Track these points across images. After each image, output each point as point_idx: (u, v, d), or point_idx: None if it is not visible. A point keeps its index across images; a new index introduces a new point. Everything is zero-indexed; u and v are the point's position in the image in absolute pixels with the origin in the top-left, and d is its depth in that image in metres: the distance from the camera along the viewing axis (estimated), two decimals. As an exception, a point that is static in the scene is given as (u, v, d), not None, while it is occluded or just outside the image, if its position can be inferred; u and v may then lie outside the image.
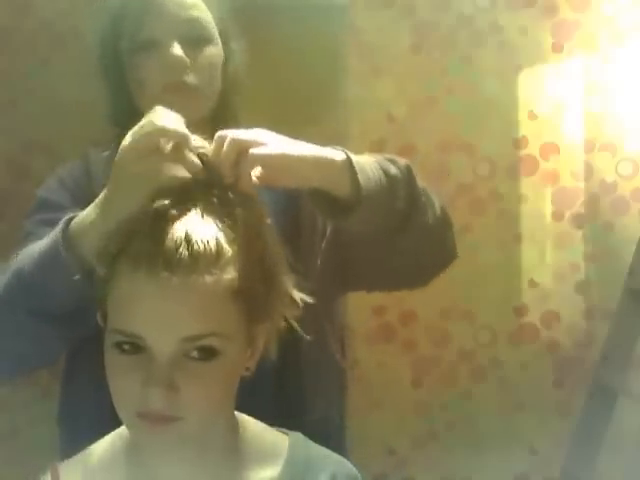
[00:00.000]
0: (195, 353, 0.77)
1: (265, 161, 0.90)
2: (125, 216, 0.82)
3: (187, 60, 1.16)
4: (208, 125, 1.09)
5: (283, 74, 1.78)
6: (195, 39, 1.18)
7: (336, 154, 1.00)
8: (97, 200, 0.95)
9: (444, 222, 1.16)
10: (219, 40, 1.22)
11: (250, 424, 0.92)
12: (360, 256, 1.15)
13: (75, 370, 1.16)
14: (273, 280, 0.84)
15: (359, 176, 0.98)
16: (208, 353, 0.78)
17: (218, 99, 1.22)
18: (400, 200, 1.05)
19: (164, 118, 0.87)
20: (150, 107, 1.18)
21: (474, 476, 1.83)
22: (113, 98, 1.24)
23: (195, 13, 1.19)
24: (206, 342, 0.77)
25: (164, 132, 0.86)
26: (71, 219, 0.97)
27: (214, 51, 1.21)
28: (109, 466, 0.86)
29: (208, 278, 0.77)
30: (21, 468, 0.88)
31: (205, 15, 1.20)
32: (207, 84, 1.19)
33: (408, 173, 1.08)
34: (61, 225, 0.97)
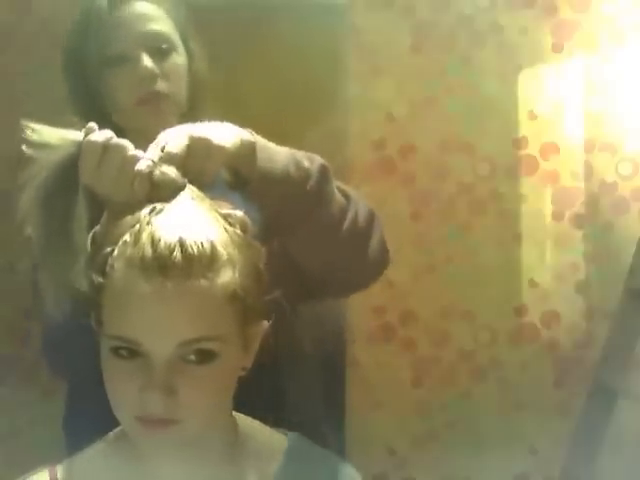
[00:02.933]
0: (192, 356, 0.77)
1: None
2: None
3: (157, 71, 1.18)
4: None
5: (283, 74, 1.78)
6: (160, 50, 1.21)
7: (243, 135, 0.97)
8: None
9: (366, 227, 1.12)
10: (181, 45, 1.24)
11: (248, 424, 0.92)
12: (295, 265, 1.12)
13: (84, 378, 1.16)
14: (264, 281, 0.85)
15: (259, 155, 0.96)
16: (205, 356, 0.77)
17: (187, 104, 1.24)
18: (307, 191, 1.02)
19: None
20: (125, 120, 1.20)
21: (474, 476, 1.83)
22: (84, 111, 1.24)
23: (158, 25, 1.22)
24: (203, 345, 0.77)
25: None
26: None
27: (179, 58, 1.24)
28: (107, 466, 0.86)
29: (203, 282, 0.76)
30: (21, 468, 0.88)
31: (167, 24, 1.24)
32: (177, 91, 1.22)
33: (322, 170, 1.05)
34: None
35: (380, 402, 1.87)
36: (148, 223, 0.78)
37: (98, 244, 0.83)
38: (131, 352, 0.77)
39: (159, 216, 0.79)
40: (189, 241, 0.76)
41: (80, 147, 0.87)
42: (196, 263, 0.76)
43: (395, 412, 1.88)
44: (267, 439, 0.91)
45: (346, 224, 1.07)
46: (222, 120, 0.96)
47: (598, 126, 1.89)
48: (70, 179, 0.86)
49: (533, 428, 1.89)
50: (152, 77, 1.19)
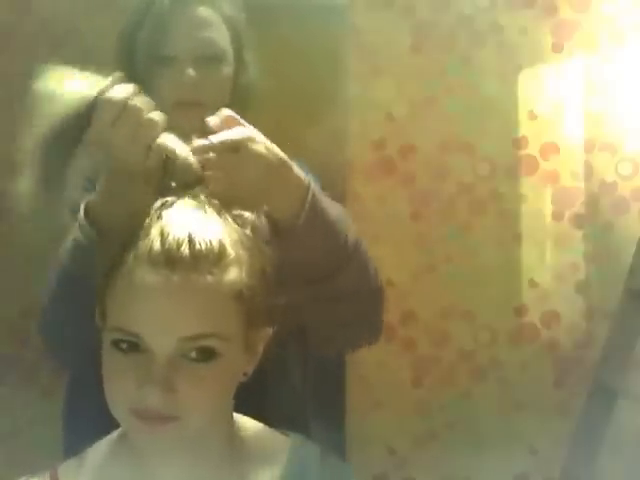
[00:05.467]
0: (194, 354, 0.77)
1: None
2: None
3: (200, 80, 1.18)
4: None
5: (283, 74, 1.78)
6: (209, 58, 1.20)
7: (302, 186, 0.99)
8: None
9: (377, 293, 1.13)
10: (232, 56, 1.23)
11: (250, 425, 0.91)
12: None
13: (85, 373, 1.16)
14: (271, 285, 0.85)
15: (313, 201, 0.99)
16: (207, 354, 0.77)
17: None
18: (345, 247, 1.04)
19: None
20: None
21: (474, 476, 1.83)
22: None
23: (212, 33, 1.21)
24: (205, 343, 0.77)
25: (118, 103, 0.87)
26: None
27: (226, 69, 1.22)
28: (108, 467, 0.86)
29: (209, 278, 0.76)
30: (21, 468, 0.88)
31: (221, 34, 1.22)
32: (215, 101, 1.21)
33: (359, 243, 1.07)
34: (81, 212, 0.98)
35: (380, 402, 1.87)
36: (159, 217, 0.79)
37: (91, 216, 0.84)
38: (132, 346, 0.77)
39: (169, 211, 0.80)
40: (198, 237, 0.76)
41: (94, 102, 0.87)
42: (203, 259, 0.76)
43: (395, 412, 1.88)
44: (269, 440, 0.91)
45: (363, 293, 1.08)
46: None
47: (598, 126, 1.89)
48: (74, 132, 0.87)
49: (533, 428, 1.89)
50: (194, 86, 1.19)
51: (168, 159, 0.86)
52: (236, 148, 0.91)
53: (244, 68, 1.26)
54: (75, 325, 0.98)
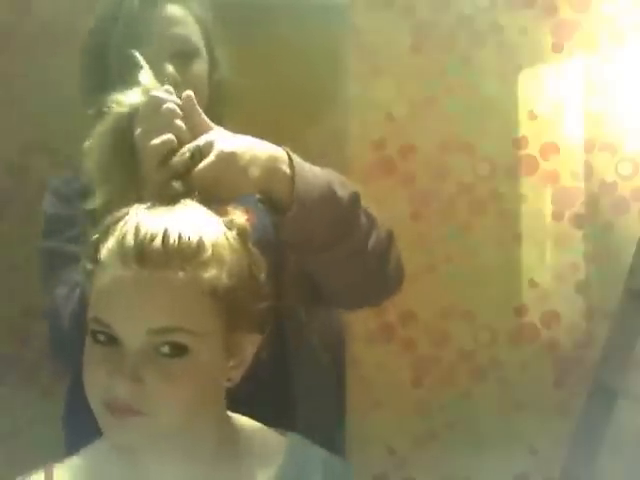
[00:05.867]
0: (166, 348, 0.77)
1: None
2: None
3: (178, 77, 1.18)
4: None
5: (283, 74, 1.78)
6: (184, 54, 1.20)
7: (281, 160, 0.99)
8: None
9: (387, 247, 1.14)
10: (205, 52, 1.23)
11: (247, 425, 0.91)
12: (314, 276, 1.14)
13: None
14: (259, 290, 0.85)
15: (298, 185, 0.98)
16: (178, 350, 0.78)
17: (206, 109, 1.23)
18: (341, 218, 1.04)
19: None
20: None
21: (474, 476, 1.83)
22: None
23: (184, 30, 1.21)
24: (175, 337, 0.77)
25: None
26: None
27: (201, 64, 1.23)
28: (103, 466, 0.86)
29: (181, 274, 0.77)
30: (21, 468, 0.88)
31: (192, 30, 1.22)
32: (197, 98, 1.21)
33: (355, 197, 1.07)
34: None
35: (380, 402, 1.87)
36: (137, 214, 0.81)
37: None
38: (108, 338, 0.78)
39: (150, 210, 0.81)
40: (173, 233, 0.77)
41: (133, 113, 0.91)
42: (176, 254, 0.77)
43: (395, 412, 1.89)
44: (266, 439, 0.91)
45: (370, 245, 1.08)
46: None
47: (598, 126, 1.89)
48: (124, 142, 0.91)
49: (533, 428, 1.89)
50: (173, 84, 1.18)
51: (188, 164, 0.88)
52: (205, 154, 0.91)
53: (216, 65, 1.26)
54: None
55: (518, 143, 1.90)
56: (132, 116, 0.91)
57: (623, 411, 1.78)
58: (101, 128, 0.91)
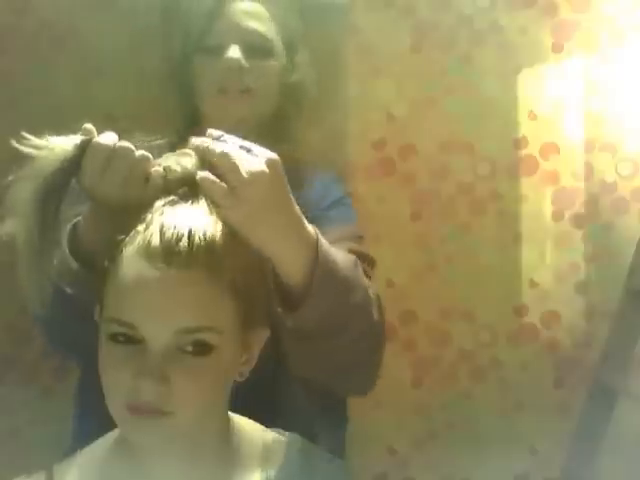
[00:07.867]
0: (190, 347, 0.78)
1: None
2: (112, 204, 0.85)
3: (245, 64, 1.18)
4: (264, 129, 1.13)
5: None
6: (255, 49, 1.21)
7: (308, 246, 0.88)
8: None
9: (379, 330, 1.03)
10: (280, 54, 1.24)
11: (246, 425, 0.92)
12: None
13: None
14: (267, 284, 0.85)
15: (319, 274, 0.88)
16: (203, 348, 0.78)
17: (275, 109, 1.23)
18: (354, 303, 0.95)
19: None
20: (207, 108, 1.20)
21: (474, 476, 1.83)
22: (178, 99, 1.26)
23: (257, 25, 1.22)
24: (201, 336, 0.78)
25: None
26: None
27: (273, 64, 1.24)
28: (103, 467, 0.86)
29: (207, 273, 0.78)
30: (21, 468, 0.88)
31: (267, 27, 1.23)
32: (261, 90, 1.21)
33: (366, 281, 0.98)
34: (68, 227, 0.97)
35: (380, 402, 1.86)
36: (161, 213, 0.80)
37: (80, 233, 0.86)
38: (128, 338, 0.78)
39: (172, 208, 0.81)
40: (197, 232, 0.78)
41: (79, 149, 0.87)
42: (201, 254, 0.77)
43: (395, 412, 1.88)
44: (265, 440, 0.91)
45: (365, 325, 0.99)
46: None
47: (598, 126, 1.89)
48: (65, 181, 0.87)
49: (533, 428, 1.89)
50: (237, 68, 1.18)
51: (167, 180, 0.85)
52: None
53: (295, 68, 1.26)
54: (73, 330, 0.98)
55: (518, 143, 1.90)
56: (80, 153, 0.87)
57: (623, 411, 1.78)
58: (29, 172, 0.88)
